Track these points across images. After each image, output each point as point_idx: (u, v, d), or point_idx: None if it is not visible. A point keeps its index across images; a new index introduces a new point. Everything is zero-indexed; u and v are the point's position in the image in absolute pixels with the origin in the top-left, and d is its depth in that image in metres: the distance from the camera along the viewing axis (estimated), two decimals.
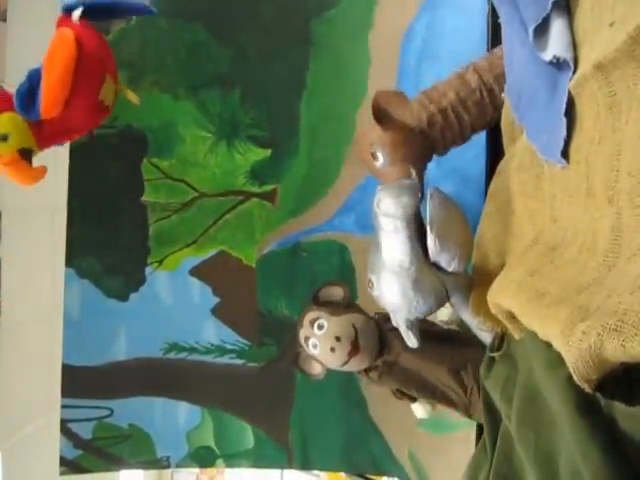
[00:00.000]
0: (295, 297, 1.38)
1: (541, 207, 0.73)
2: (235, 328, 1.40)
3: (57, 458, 1.40)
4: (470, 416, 1.03)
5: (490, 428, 0.79)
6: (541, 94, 0.63)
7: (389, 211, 0.79)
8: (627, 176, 0.51)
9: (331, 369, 1.07)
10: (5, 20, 1.62)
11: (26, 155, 1.03)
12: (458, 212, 0.82)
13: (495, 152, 1.06)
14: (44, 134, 1.04)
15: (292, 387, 1.36)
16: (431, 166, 1.27)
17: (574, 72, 0.59)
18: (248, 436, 1.42)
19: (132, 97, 1.17)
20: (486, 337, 0.89)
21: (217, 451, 1.43)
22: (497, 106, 0.81)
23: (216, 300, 1.40)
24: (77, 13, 1.06)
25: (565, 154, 0.62)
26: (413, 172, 0.81)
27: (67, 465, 1.40)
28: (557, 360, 0.54)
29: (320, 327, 1.02)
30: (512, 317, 0.69)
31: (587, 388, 0.49)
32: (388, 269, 0.82)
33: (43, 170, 1.06)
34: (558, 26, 0.60)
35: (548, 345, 0.55)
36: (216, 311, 1.40)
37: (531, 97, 0.67)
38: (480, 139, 1.24)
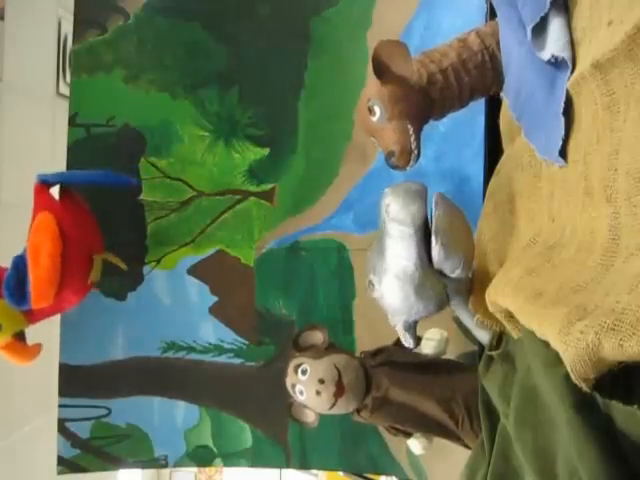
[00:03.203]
0: (293, 296, 1.37)
1: (539, 206, 0.73)
2: (233, 327, 1.39)
3: (55, 457, 1.40)
4: (465, 445, 1.03)
5: (488, 427, 0.79)
6: (539, 93, 0.63)
7: (398, 217, 0.78)
8: (625, 175, 0.51)
9: (324, 414, 1.07)
10: (3, 19, 1.62)
11: (20, 337, 1.04)
12: (462, 219, 0.82)
13: (494, 152, 1.06)
14: (35, 315, 1.05)
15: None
16: (430, 165, 1.28)
17: (572, 71, 0.59)
18: (246, 435, 1.42)
19: (120, 264, 1.17)
20: (484, 336, 0.89)
21: (215, 450, 1.43)
22: (498, 72, 0.79)
23: (214, 299, 1.40)
24: (56, 192, 1.04)
25: (563, 153, 0.62)
26: (410, 129, 0.78)
27: (65, 464, 1.40)
28: (555, 359, 0.54)
29: (304, 372, 1.02)
30: (510, 316, 0.69)
31: (585, 387, 0.49)
32: (391, 273, 0.82)
33: (38, 348, 1.08)
34: (556, 25, 0.60)
35: (546, 344, 0.55)
36: (214, 310, 1.39)
37: (529, 96, 0.67)
38: (479, 139, 1.24)
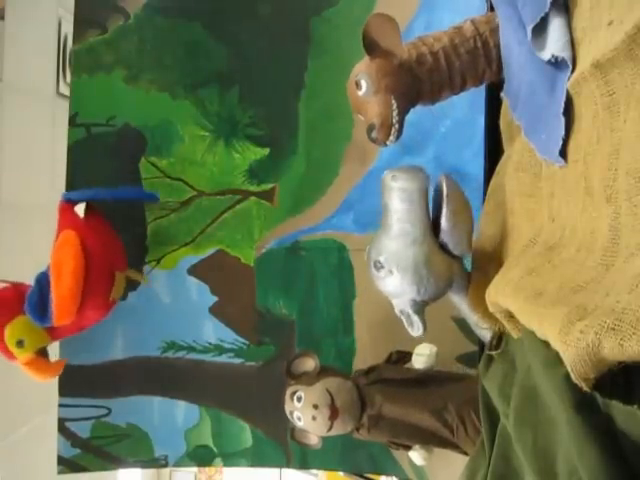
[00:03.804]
0: (294, 296, 1.37)
1: (539, 206, 0.73)
2: (233, 327, 1.40)
3: (55, 457, 1.40)
4: (463, 452, 1.05)
5: (488, 427, 0.79)
6: (539, 93, 0.63)
7: (405, 184, 0.79)
8: (625, 175, 0.51)
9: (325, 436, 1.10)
10: (3, 18, 1.62)
11: (43, 353, 1.04)
12: (467, 198, 0.83)
13: (494, 152, 1.07)
14: (57, 332, 1.06)
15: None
16: (430, 165, 1.28)
17: (572, 71, 0.59)
18: (246, 435, 1.42)
19: (141, 279, 1.17)
20: (485, 335, 0.89)
21: (215, 450, 1.43)
22: (490, 59, 0.79)
23: (214, 299, 1.40)
24: (81, 210, 1.05)
25: (563, 153, 0.62)
26: (394, 103, 0.78)
27: (65, 464, 1.40)
28: (555, 359, 0.55)
29: (299, 399, 1.06)
30: (510, 316, 0.69)
31: (585, 387, 0.49)
32: (400, 246, 0.81)
33: (61, 365, 1.09)
34: (556, 25, 0.60)
35: (546, 344, 0.55)
36: (214, 310, 1.39)
37: (529, 96, 0.67)
38: (479, 139, 1.24)
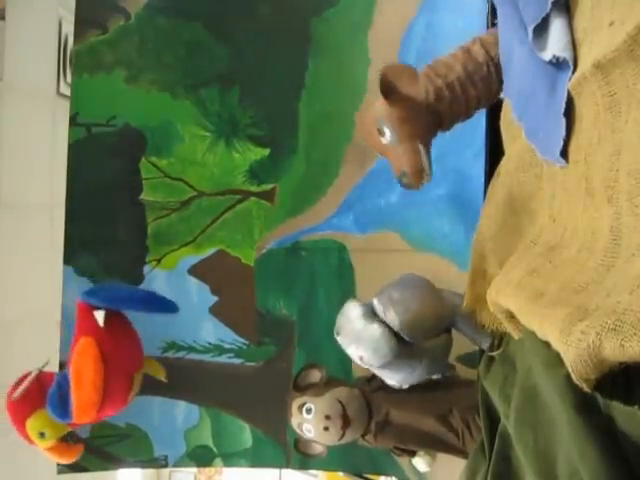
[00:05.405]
0: (294, 296, 1.37)
1: (540, 207, 0.73)
2: (233, 327, 1.39)
3: None
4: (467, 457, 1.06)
5: (488, 428, 0.79)
6: (540, 93, 0.63)
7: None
8: (626, 176, 0.51)
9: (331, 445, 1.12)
10: (4, 18, 1.62)
11: (64, 439, 1.09)
12: (417, 298, 0.89)
13: (495, 152, 1.06)
14: (77, 423, 1.10)
15: (290, 386, 1.36)
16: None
17: (574, 72, 0.59)
18: (246, 435, 1.41)
19: (160, 376, 1.18)
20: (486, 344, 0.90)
21: (215, 450, 1.43)
22: (502, 80, 0.80)
23: (214, 299, 1.39)
24: (100, 318, 1.07)
25: (564, 154, 0.62)
26: (422, 149, 0.80)
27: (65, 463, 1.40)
28: (556, 359, 0.54)
29: (308, 411, 1.07)
30: (511, 316, 0.69)
31: (585, 388, 0.49)
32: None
33: (80, 448, 1.13)
34: (557, 26, 0.60)
35: (547, 345, 0.55)
36: (214, 310, 1.39)
37: (530, 96, 0.67)
38: (480, 139, 1.24)
